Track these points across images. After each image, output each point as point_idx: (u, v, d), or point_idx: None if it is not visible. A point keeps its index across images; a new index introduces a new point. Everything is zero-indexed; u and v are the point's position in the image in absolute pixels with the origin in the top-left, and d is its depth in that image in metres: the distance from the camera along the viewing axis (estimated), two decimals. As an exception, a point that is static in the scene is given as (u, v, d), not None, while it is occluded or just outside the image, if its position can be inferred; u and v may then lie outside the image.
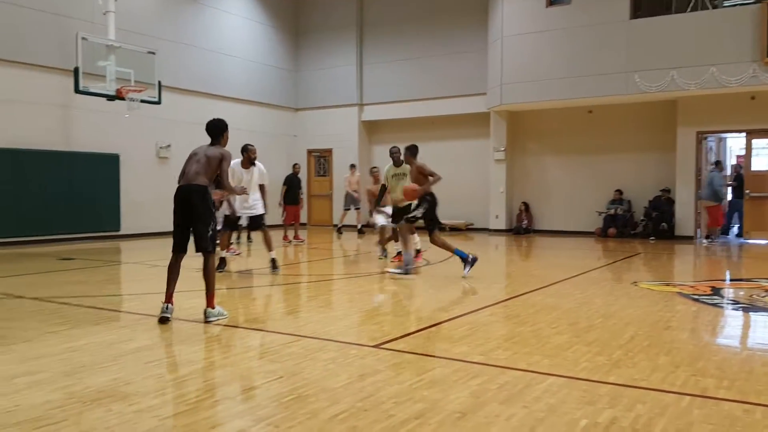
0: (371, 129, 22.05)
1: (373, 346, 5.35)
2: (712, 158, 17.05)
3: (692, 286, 8.84)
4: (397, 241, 11.22)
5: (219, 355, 5.37)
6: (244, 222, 10.57)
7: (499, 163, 19.10)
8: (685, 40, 15.34)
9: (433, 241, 9.77)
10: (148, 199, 16.39)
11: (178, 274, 6.42)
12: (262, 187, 10.29)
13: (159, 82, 15.49)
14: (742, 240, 16.20)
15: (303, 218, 18.08)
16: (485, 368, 4.68)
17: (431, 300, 8.16)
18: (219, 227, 10.58)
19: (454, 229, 19.47)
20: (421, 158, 10.09)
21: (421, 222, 9.67)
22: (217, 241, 11.49)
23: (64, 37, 14.74)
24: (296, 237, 15.93)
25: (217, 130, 6.69)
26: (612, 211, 17.51)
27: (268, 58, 21.62)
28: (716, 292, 8.36)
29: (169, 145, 17.42)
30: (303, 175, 18.91)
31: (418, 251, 11.53)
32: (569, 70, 16.67)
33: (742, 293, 8.53)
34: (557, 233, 18.49)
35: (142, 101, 14.87)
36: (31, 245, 14.33)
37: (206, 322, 6.26)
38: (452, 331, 5.97)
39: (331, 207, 22.21)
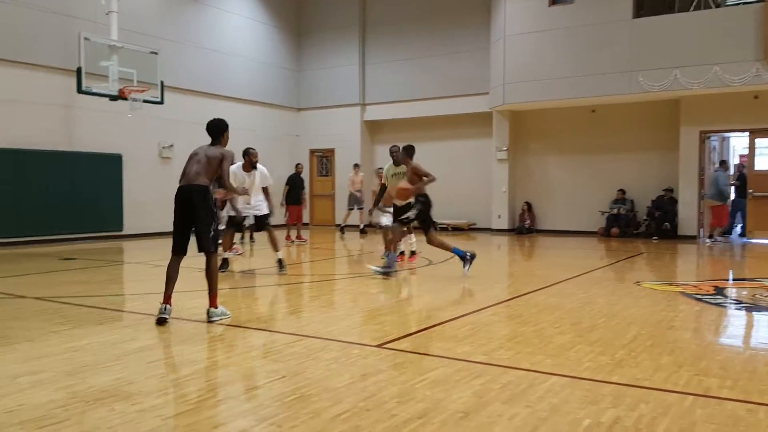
0: (374, 129, 22.05)
1: (375, 346, 5.35)
2: (716, 158, 17.03)
3: (695, 286, 8.82)
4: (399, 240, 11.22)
5: (222, 354, 5.37)
6: (250, 221, 10.56)
7: (502, 162, 19.08)
8: (688, 40, 15.32)
9: (429, 242, 9.76)
10: (150, 199, 16.40)
11: (177, 275, 6.39)
12: (266, 190, 10.30)
13: (161, 82, 15.50)
14: (745, 239, 16.16)
15: (305, 218, 18.03)
16: (488, 368, 4.67)
17: (433, 300, 8.15)
18: (222, 227, 10.63)
19: (457, 229, 19.48)
20: (420, 158, 10.07)
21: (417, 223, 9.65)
22: (219, 242, 11.52)
23: (66, 37, 14.75)
24: (299, 237, 15.94)
25: (217, 130, 6.68)
26: (615, 211, 17.48)
27: (271, 57, 21.63)
28: (719, 291, 8.35)
29: (171, 145, 17.44)
30: (305, 175, 18.93)
31: (413, 252, 11.54)
32: (572, 70, 16.66)
33: (745, 293, 8.51)
34: (560, 233, 18.47)
35: (145, 101, 14.87)
36: (33, 245, 14.35)
37: (209, 321, 6.26)
38: (455, 331, 5.96)
39: (333, 207, 22.22)
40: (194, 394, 4.19)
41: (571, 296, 7.90)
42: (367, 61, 21.71)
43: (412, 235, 11.03)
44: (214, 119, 6.76)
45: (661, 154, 17.23)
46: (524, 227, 18.73)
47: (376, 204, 11.66)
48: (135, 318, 6.57)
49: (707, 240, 15.91)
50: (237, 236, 13.06)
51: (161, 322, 6.12)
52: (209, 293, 6.38)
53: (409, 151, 9.99)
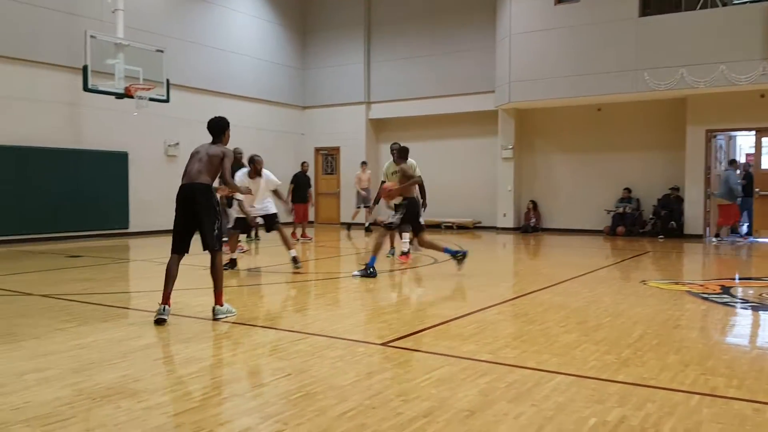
0: (379, 127, 22.04)
1: (380, 344, 5.35)
2: (722, 156, 16.98)
3: (701, 285, 8.80)
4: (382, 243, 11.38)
5: (227, 352, 5.38)
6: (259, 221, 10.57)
7: (507, 161, 19.06)
8: (695, 38, 15.28)
9: (421, 244, 9.79)
10: (156, 196, 16.42)
11: (176, 274, 6.34)
12: (276, 192, 10.36)
13: (167, 81, 15.53)
14: (751, 238, 16.09)
15: (310, 216, 18.06)
16: (493, 366, 4.67)
17: (438, 298, 8.15)
18: (230, 226, 10.64)
19: (462, 227, 19.47)
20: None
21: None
22: (225, 239, 11.53)
23: (73, 36, 14.78)
24: (304, 235, 15.95)
25: (218, 128, 6.66)
26: (620, 210, 17.46)
27: (276, 56, 21.63)
28: (726, 290, 8.32)
29: (177, 143, 17.46)
30: (311, 173, 18.92)
31: (407, 252, 11.51)
32: (578, 68, 16.63)
33: (751, 292, 8.49)
34: (565, 231, 18.45)
35: (151, 99, 14.91)
36: (39, 243, 14.39)
37: (214, 319, 6.27)
38: (460, 329, 5.96)
39: (338, 205, 22.22)
40: (200, 391, 4.19)
41: (576, 295, 7.89)
42: (372, 60, 21.70)
43: (406, 235, 11.02)
44: (215, 118, 6.75)
45: (667, 152, 17.18)
46: (529, 226, 18.71)
47: (376, 202, 11.68)
48: (141, 315, 6.58)
49: (713, 239, 15.86)
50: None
51: (160, 322, 6.05)
52: (214, 291, 6.38)
53: (402, 153, 10.01)
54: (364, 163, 19.02)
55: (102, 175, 15.83)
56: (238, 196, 9.41)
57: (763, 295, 8.12)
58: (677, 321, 6.35)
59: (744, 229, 17.15)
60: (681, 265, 12.15)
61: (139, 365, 4.73)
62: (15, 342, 5.40)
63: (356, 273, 9.40)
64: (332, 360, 4.84)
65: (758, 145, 16.22)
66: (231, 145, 6.95)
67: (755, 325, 6.73)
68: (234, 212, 10.32)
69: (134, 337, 5.58)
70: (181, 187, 6.38)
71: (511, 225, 19.02)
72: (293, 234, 15.70)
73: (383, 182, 11.38)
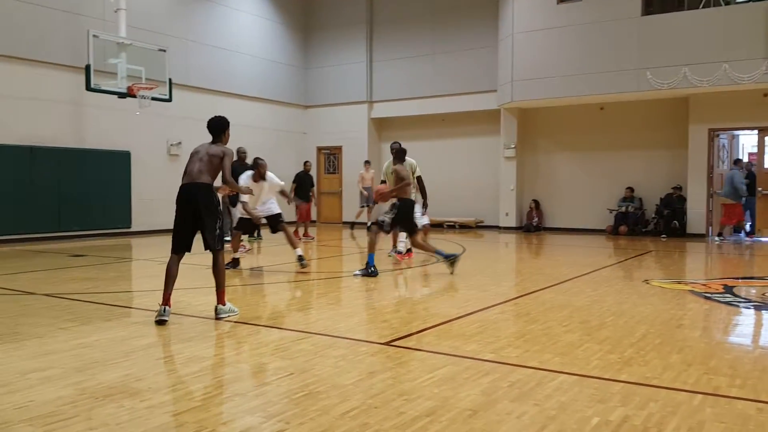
0: (381, 126, 22.04)
1: (383, 344, 5.35)
2: (725, 156, 16.96)
3: (704, 284, 8.79)
4: (425, 235, 11.87)
5: (229, 351, 5.38)
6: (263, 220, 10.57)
7: (510, 160, 19.05)
8: (698, 37, 15.26)
9: (413, 245, 9.81)
10: (158, 196, 16.44)
11: (176, 274, 6.31)
12: (283, 192, 10.38)
13: (170, 80, 15.54)
14: (755, 238, 16.05)
15: (312, 215, 18.06)
16: (496, 366, 4.67)
17: (441, 297, 8.15)
18: (234, 226, 10.64)
19: (464, 227, 19.47)
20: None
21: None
22: (227, 238, 11.50)
23: (75, 35, 14.80)
24: (306, 234, 15.95)
25: (218, 127, 6.62)
26: (623, 209, 17.44)
27: (278, 55, 21.63)
28: (728, 290, 8.31)
29: (179, 143, 17.48)
30: (313, 173, 18.89)
31: (409, 250, 11.51)
32: (580, 67, 16.61)
33: (754, 291, 8.48)
34: (568, 231, 18.44)
35: (153, 99, 14.92)
36: (42, 242, 14.41)
37: (217, 318, 6.27)
38: (462, 329, 5.95)
39: (340, 204, 22.23)
40: (202, 390, 4.19)
41: (579, 294, 7.88)
42: (374, 59, 21.69)
43: (403, 234, 11.03)
44: (215, 117, 6.72)
45: (670, 152, 17.17)
46: (532, 225, 18.70)
47: (374, 202, 11.69)
48: (143, 315, 6.58)
49: (716, 238, 15.84)
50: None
51: (161, 323, 6.04)
52: (217, 290, 6.38)
53: (399, 153, 10.01)
54: (367, 162, 19.01)
55: (104, 175, 15.85)
56: (243, 197, 9.40)
57: (766, 294, 8.11)
58: (680, 320, 6.35)
59: (746, 228, 17.11)
60: (684, 265, 12.13)
61: (141, 364, 4.74)
62: (18, 341, 5.41)
63: (357, 272, 9.41)
64: (335, 359, 4.84)
65: (761, 145, 16.19)
66: (234, 145, 6.96)
67: (758, 324, 6.72)
68: (238, 212, 10.33)
69: (137, 337, 5.59)
70: (182, 187, 6.37)
71: (513, 224, 19.01)
72: (296, 233, 15.70)
73: (383, 182, 11.40)
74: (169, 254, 6.37)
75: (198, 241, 6.35)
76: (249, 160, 13.09)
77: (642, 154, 17.67)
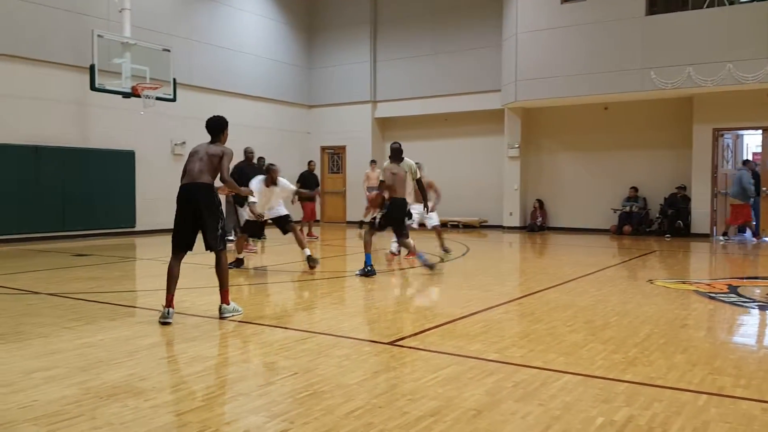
0: (385, 126, 22.04)
1: (387, 343, 5.35)
2: (729, 155, 16.92)
3: (709, 284, 8.77)
4: (439, 236, 12.07)
5: (233, 351, 5.39)
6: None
7: (513, 160, 19.03)
8: (702, 37, 15.22)
9: (399, 242, 9.92)
10: (162, 195, 16.39)
11: (178, 275, 6.29)
12: (297, 192, 10.46)
13: (174, 80, 15.55)
14: (764, 238, 15.95)
15: (316, 215, 18.05)
16: (500, 366, 4.66)
17: (445, 297, 8.15)
18: (241, 225, 10.61)
19: (468, 226, 19.45)
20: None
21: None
22: (231, 238, 11.49)
23: (80, 35, 14.82)
24: (310, 234, 15.96)
25: (217, 127, 6.58)
26: (627, 209, 17.41)
27: (282, 55, 21.65)
28: (733, 290, 8.29)
29: (183, 142, 17.48)
30: (317, 172, 18.89)
31: (393, 253, 11.48)
32: (584, 67, 16.59)
33: (758, 291, 8.46)
34: (572, 230, 18.41)
35: (157, 98, 14.93)
36: (46, 241, 14.43)
37: (221, 318, 6.27)
38: (466, 329, 5.95)
39: (344, 204, 22.23)
40: (206, 390, 4.20)
41: (583, 294, 7.87)
42: (378, 58, 21.69)
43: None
44: (214, 117, 6.67)
45: (674, 151, 17.14)
46: (536, 225, 18.68)
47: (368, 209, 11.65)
48: (147, 314, 6.58)
49: (721, 238, 15.80)
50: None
51: (165, 325, 6.03)
52: (220, 290, 6.38)
53: (394, 153, 10.02)
54: (373, 162, 18.98)
55: (109, 174, 15.87)
56: (252, 197, 9.36)
57: (771, 294, 8.09)
58: (684, 320, 6.33)
59: (754, 229, 17.05)
60: (688, 265, 12.11)
61: (145, 364, 4.74)
62: (22, 340, 5.42)
63: (358, 272, 9.41)
64: (339, 359, 4.84)
65: (765, 144, 16.15)
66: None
67: (763, 324, 6.70)
68: (245, 213, 10.30)
69: (141, 336, 5.59)
70: (182, 187, 6.34)
71: (517, 224, 18.99)
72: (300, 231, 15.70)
73: (382, 182, 11.36)
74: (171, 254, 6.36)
75: (199, 240, 6.34)
76: (256, 160, 13.12)
77: (646, 153, 17.64)
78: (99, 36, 14.01)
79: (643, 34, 15.94)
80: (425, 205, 11.14)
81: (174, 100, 15.62)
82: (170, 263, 6.31)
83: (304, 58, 22.55)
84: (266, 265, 11.18)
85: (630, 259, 12.13)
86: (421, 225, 12.14)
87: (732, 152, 17.22)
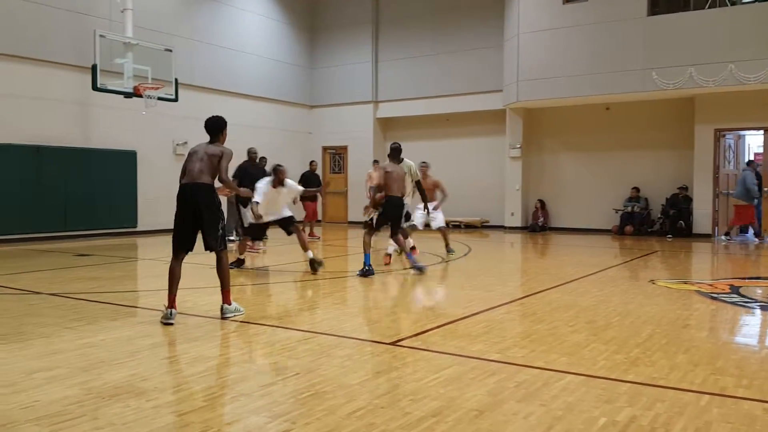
0: (386, 126, 22.04)
1: (388, 344, 5.34)
2: (731, 156, 16.90)
3: (710, 285, 8.76)
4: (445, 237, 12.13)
5: (235, 351, 5.39)
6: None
7: (515, 160, 19.03)
8: (703, 37, 15.21)
9: (394, 240, 9.90)
10: (164, 195, 16.34)
11: (180, 275, 6.28)
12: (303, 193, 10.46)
13: (176, 80, 15.56)
14: (766, 238, 15.94)
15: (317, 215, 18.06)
16: (502, 366, 4.66)
17: (446, 297, 8.15)
18: (245, 225, 10.59)
19: (470, 226, 19.45)
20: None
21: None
22: (233, 238, 11.47)
23: (82, 35, 14.83)
24: (311, 234, 15.96)
25: (216, 127, 6.56)
26: (629, 209, 17.40)
27: (284, 55, 21.65)
28: (735, 290, 8.28)
29: (185, 142, 17.47)
30: (318, 172, 18.90)
31: (413, 248, 11.49)
32: (586, 67, 16.58)
33: (760, 291, 8.45)
34: (573, 231, 18.41)
35: (159, 98, 14.94)
36: (48, 241, 14.44)
37: (223, 318, 6.27)
38: (468, 329, 5.95)
39: (346, 204, 22.23)
40: (208, 390, 4.19)
41: (585, 294, 7.87)
42: (380, 58, 21.69)
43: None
44: (213, 117, 6.65)
45: (676, 151, 17.13)
46: (537, 225, 18.67)
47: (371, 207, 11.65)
48: (149, 314, 6.58)
49: (723, 237, 15.78)
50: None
51: (167, 326, 6.03)
52: (222, 290, 6.38)
53: (392, 152, 10.04)
54: (376, 162, 18.94)
55: (110, 174, 15.88)
56: (256, 197, 9.33)
57: (773, 294, 8.08)
58: (686, 321, 6.33)
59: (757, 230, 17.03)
60: (690, 265, 12.10)
61: (147, 364, 4.74)
62: (24, 340, 5.42)
63: (358, 273, 9.42)
64: (340, 359, 4.84)
65: (767, 145, 16.12)
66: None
67: (764, 324, 6.69)
68: (249, 213, 10.26)
69: (143, 336, 5.59)
70: (183, 187, 6.33)
71: (519, 224, 18.99)
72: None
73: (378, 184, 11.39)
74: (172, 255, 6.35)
75: (199, 241, 6.33)
76: (258, 160, 13.11)
77: (648, 154, 17.62)
78: (101, 36, 14.03)
79: (644, 35, 15.93)
80: (425, 207, 11.14)
81: (176, 100, 15.63)
82: (171, 264, 6.29)
83: (305, 58, 22.56)
84: (268, 266, 11.17)
85: (632, 260, 12.13)
86: (426, 226, 12.14)
87: (734, 153, 17.21)
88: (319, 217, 19.69)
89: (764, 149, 16.40)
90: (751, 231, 16.46)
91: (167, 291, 6.18)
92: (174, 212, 6.35)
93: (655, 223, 17.23)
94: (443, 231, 12.22)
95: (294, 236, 9.96)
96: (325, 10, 22.56)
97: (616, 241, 15.87)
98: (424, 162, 12.37)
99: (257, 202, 9.36)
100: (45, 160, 14.57)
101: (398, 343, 5.36)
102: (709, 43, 15.11)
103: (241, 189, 7.85)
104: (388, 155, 10.08)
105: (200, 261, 6.55)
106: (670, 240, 15.89)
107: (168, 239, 6.38)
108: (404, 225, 10.27)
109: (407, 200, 10.39)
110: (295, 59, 22.12)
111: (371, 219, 9.74)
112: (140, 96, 14.59)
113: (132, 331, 5.79)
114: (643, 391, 4.10)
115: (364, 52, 21.74)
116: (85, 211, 15.35)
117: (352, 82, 21.96)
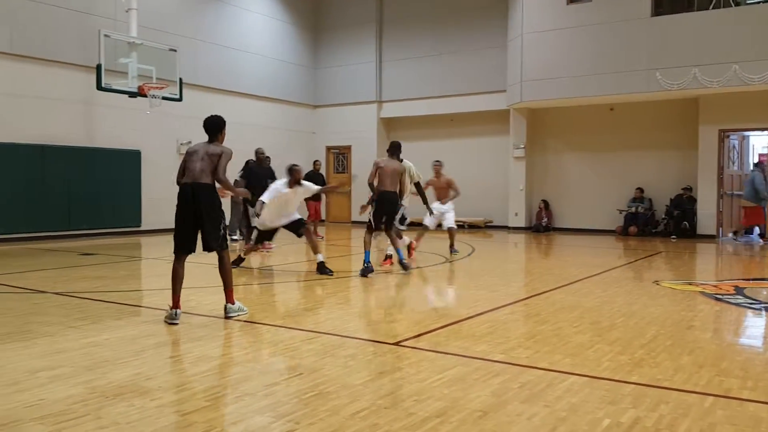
0: (390, 126, 22.03)
1: (392, 344, 5.34)
2: (735, 156, 16.87)
3: (715, 286, 8.74)
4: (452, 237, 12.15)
5: (239, 350, 5.39)
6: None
7: (519, 160, 19.02)
8: (707, 38, 15.18)
9: (386, 234, 9.86)
10: (168, 195, 16.25)
11: (183, 275, 6.26)
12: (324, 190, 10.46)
13: (180, 79, 15.57)
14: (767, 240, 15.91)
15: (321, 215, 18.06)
16: (506, 367, 4.65)
17: (450, 297, 8.14)
18: (253, 224, 10.55)
19: (473, 227, 19.43)
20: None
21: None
22: (236, 238, 11.44)
23: (86, 35, 14.85)
24: (315, 233, 15.93)
25: (215, 127, 6.49)
26: (633, 210, 17.38)
27: (288, 55, 21.66)
28: (739, 291, 8.26)
29: (189, 142, 17.44)
30: (322, 172, 18.88)
31: (388, 256, 11.44)
32: (590, 68, 16.56)
33: (765, 293, 8.44)
34: (577, 231, 18.38)
35: (164, 98, 14.95)
36: (52, 240, 14.46)
37: (226, 317, 6.27)
38: (472, 329, 5.94)
39: (349, 204, 22.22)
40: (212, 390, 4.19)
41: (589, 295, 7.86)
42: (383, 58, 21.70)
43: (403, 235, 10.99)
44: (211, 116, 6.59)
45: (680, 152, 17.10)
46: (541, 225, 18.65)
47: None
48: (153, 313, 6.59)
49: (731, 236, 15.72)
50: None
51: (171, 325, 6.02)
52: (225, 290, 6.37)
53: (390, 149, 10.02)
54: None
55: (115, 174, 15.90)
56: (264, 197, 9.28)
57: (778, 296, 8.06)
58: (691, 322, 6.31)
59: (756, 230, 16.99)
60: (694, 266, 12.08)
61: (151, 363, 4.75)
62: (28, 339, 5.43)
63: (359, 272, 9.42)
64: (344, 359, 4.84)
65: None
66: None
67: (770, 326, 6.68)
68: (256, 220, 10.16)
69: (147, 336, 5.60)
70: (184, 187, 6.29)
71: (522, 224, 18.98)
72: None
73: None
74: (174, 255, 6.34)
75: (200, 241, 6.33)
76: (275, 165, 13.07)
77: (652, 154, 17.60)
78: (105, 36, 14.04)
79: (648, 35, 15.91)
80: (427, 207, 11.14)
81: (180, 99, 15.64)
82: (174, 264, 6.28)
83: (309, 58, 22.57)
84: (271, 265, 11.18)
85: (636, 260, 12.11)
86: (438, 226, 12.14)
87: (738, 153, 17.17)
88: (323, 217, 19.67)
89: (769, 150, 16.37)
90: (756, 231, 16.41)
91: (171, 291, 6.17)
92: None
93: (659, 224, 17.20)
94: (452, 231, 12.21)
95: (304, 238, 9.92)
96: (328, 10, 22.56)
97: (620, 242, 15.84)
98: (437, 160, 12.39)
99: (263, 202, 9.29)
100: (49, 160, 14.60)
101: (402, 344, 5.35)
102: (713, 44, 15.08)
103: (238, 190, 7.82)
104: (387, 150, 10.06)
105: (204, 260, 6.54)
106: (674, 241, 15.86)
107: (171, 238, 6.37)
108: (399, 226, 10.25)
109: (405, 201, 10.36)
110: (299, 59, 22.13)
111: (371, 218, 9.71)
112: (145, 96, 14.61)
113: (136, 331, 5.79)
114: (647, 392, 4.09)
115: (367, 52, 21.74)
116: (89, 211, 15.38)
117: (355, 82, 21.96)
